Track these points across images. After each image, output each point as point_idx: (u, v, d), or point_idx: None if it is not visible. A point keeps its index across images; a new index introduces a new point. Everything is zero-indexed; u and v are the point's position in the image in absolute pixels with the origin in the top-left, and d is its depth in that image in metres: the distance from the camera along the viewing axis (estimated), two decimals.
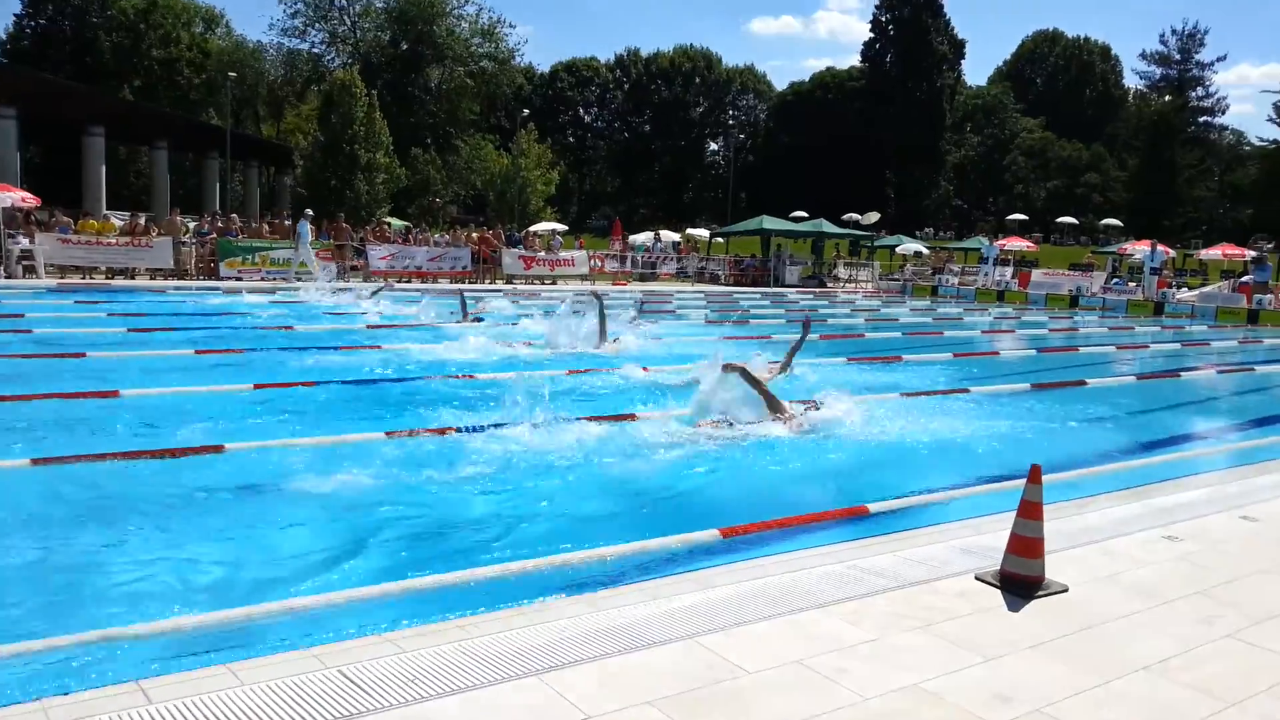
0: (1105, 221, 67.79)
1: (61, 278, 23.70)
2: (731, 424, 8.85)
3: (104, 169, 39.57)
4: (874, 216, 51.10)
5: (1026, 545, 4.92)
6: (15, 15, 63.09)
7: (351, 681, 3.59)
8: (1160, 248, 35.28)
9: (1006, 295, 34.45)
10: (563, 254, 33.90)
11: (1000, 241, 45.01)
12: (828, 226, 41.70)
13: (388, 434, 8.06)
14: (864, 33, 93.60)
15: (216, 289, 23.88)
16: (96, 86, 53.17)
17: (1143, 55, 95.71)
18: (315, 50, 73.52)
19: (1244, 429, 11.47)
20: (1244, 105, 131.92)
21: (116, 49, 62.25)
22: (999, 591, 4.87)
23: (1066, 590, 4.91)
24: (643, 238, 42.34)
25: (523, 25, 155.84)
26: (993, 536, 5.56)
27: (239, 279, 25.47)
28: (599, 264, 34.48)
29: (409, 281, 27.85)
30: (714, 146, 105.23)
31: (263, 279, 25.78)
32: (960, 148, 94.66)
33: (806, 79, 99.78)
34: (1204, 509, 6.70)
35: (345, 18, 72.89)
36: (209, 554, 5.58)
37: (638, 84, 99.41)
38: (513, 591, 4.89)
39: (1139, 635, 4.40)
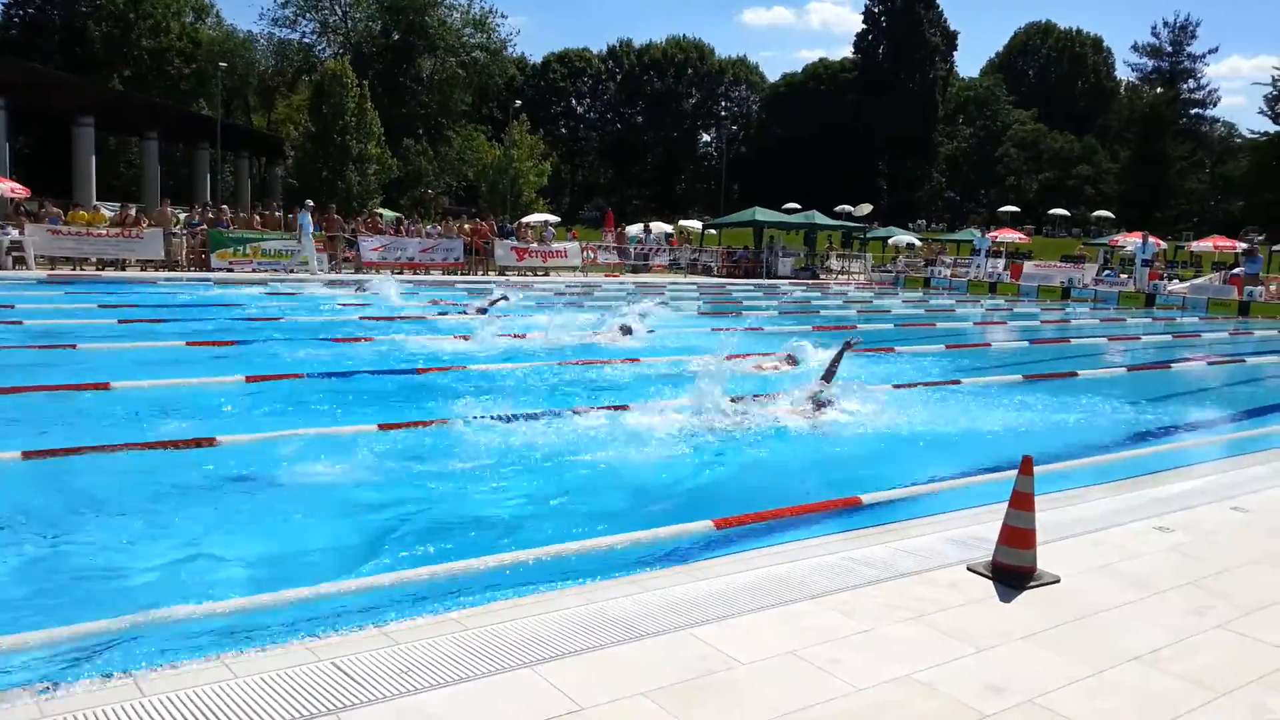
0: (1097, 213, 67.89)
1: (52, 269, 23.59)
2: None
3: (94, 159, 39.37)
4: (867, 208, 51.17)
5: (1018, 536, 4.93)
6: (3, 5, 62.63)
7: (344, 673, 3.59)
8: (1151, 240, 35.42)
9: (999, 287, 34.51)
10: (555, 245, 33.85)
11: (992, 233, 45.17)
12: (820, 218, 41.72)
13: (380, 426, 8.03)
14: (856, 24, 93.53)
15: (249, 281, 23.78)
16: (86, 76, 52.73)
17: (1134, 47, 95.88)
18: (306, 40, 73.40)
19: (1235, 420, 11.53)
20: (1235, 98, 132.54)
21: (106, 39, 61.79)
22: (991, 582, 4.89)
23: (1058, 581, 4.92)
24: (634, 230, 42.29)
25: (515, 16, 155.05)
26: (985, 527, 5.57)
27: (230, 270, 25.38)
28: (591, 255, 34.43)
29: (400, 273, 27.77)
30: (706, 138, 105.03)
31: (254, 270, 25.69)
32: (952, 139, 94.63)
33: (799, 70, 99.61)
34: (1195, 500, 6.73)
35: (336, 7, 72.61)
36: (202, 546, 5.57)
37: (630, 75, 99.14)
38: (506, 583, 4.89)
39: (1131, 626, 4.42)
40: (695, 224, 52.01)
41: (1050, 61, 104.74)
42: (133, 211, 27.12)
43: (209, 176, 48.90)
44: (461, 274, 29.83)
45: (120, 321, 15.21)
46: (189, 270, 25.47)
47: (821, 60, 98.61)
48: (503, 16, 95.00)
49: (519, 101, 69.40)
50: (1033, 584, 4.86)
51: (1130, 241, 39.17)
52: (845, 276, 40.67)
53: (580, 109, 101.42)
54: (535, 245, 33.04)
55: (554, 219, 48.13)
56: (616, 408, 9.08)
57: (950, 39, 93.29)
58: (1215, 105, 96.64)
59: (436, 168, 63.27)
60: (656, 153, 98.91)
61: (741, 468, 7.87)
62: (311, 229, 26.94)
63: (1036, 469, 5.01)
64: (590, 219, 78.02)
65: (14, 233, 23.33)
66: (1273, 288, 29.69)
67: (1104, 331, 21.66)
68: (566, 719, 3.34)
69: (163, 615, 4.15)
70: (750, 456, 8.09)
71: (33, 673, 3.74)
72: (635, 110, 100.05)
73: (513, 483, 6.96)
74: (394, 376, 11.17)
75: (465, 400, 9.52)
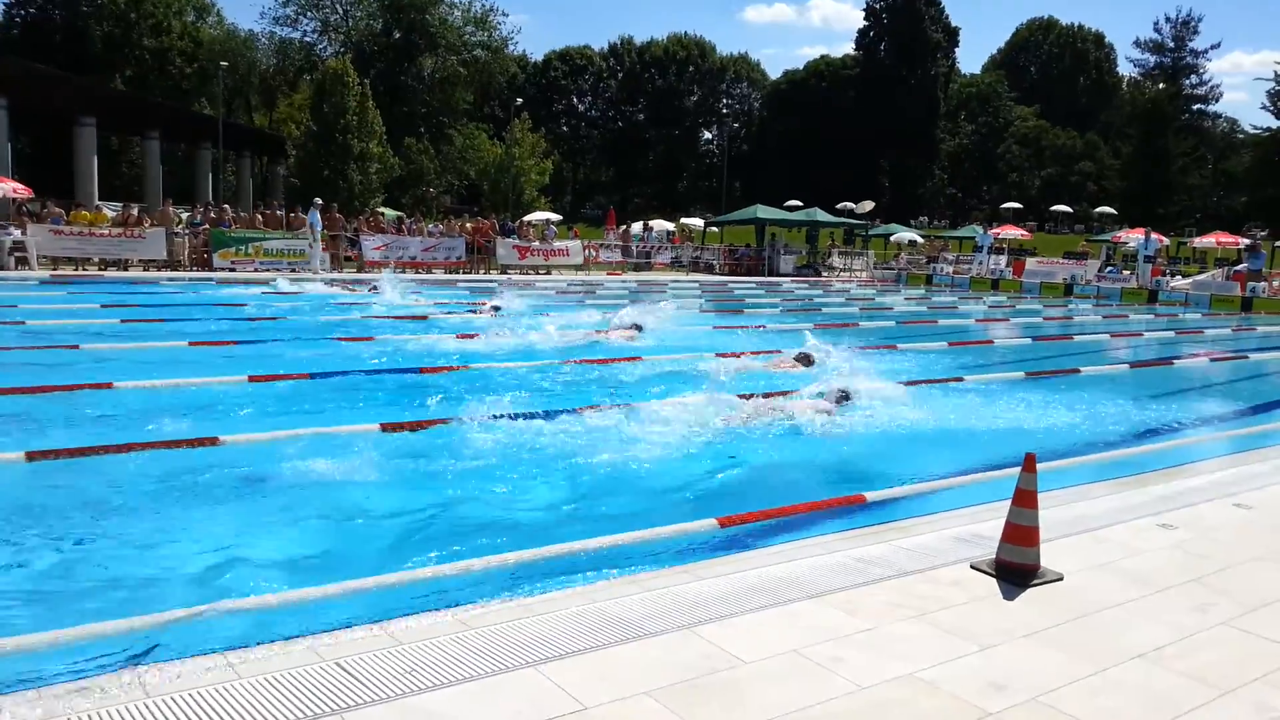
0: (1099, 210, 67.95)
1: (54, 269, 23.60)
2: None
3: (95, 159, 39.40)
4: (868, 205, 51.10)
5: (1022, 534, 4.93)
6: (5, 4, 62.77)
7: (348, 673, 3.60)
8: (1154, 236, 35.34)
9: (1001, 284, 34.47)
10: (557, 244, 33.84)
11: (994, 230, 45.11)
12: (822, 215, 41.67)
13: (382, 427, 8.04)
14: (858, 20, 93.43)
15: (254, 281, 23.80)
16: (87, 76, 52.77)
17: (1137, 43, 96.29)
18: (307, 39, 73.49)
19: (1237, 417, 11.51)
20: (1237, 93, 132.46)
21: (107, 38, 61.89)
22: (994, 580, 4.89)
23: (1061, 579, 4.92)
24: (635, 228, 42.31)
25: (516, 14, 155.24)
26: (988, 525, 5.58)
27: (232, 269, 25.40)
28: (593, 254, 34.43)
29: (403, 272, 27.77)
30: (708, 135, 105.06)
31: (256, 270, 25.70)
32: (954, 136, 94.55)
33: (800, 67, 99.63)
34: (1198, 497, 6.73)
35: (337, 6, 72.70)
36: (207, 545, 5.58)
37: (631, 73, 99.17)
38: (509, 582, 4.90)
39: (1134, 623, 4.41)
40: (697, 222, 52.00)
41: (1052, 58, 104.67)
42: (135, 211, 27.15)
43: (211, 176, 48.94)
44: (463, 273, 29.83)
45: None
46: (191, 270, 25.48)
47: (823, 57, 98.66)
48: (504, 15, 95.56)
49: (520, 100, 69.33)
50: (1036, 582, 4.86)
51: (1133, 238, 39.10)
52: (847, 274, 40.63)
53: (582, 107, 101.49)
54: (537, 244, 33.02)
55: (556, 217, 48.14)
56: (625, 405, 9.08)
57: (952, 35, 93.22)
58: (1217, 101, 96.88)
59: (438, 166, 63.27)
60: (658, 150, 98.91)
61: (748, 465, 7.86)
62: (321, 226, 26.96)
63: (1039, 466, 5.01)
64: (592, 217, 78.05)
65: (16, 233, 23.34)
66: (1276, 283, 29.64)
67: (1106, 328, 21.64)
68: (570, 718, 3.34)
69: (167, 616, 4.16)
70: (757, 454, 8.09)
71: (37, 670, 3.74)
72: (637, 108, 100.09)
73: (517, 482, 6.96)
74: (397, 375, 11.18)
75: (468, 400, 9.53)
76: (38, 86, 38.77)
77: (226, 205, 32.29)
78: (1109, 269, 35.17)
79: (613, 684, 3.59)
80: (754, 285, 31.99)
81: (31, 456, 6.72)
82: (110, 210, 28.51)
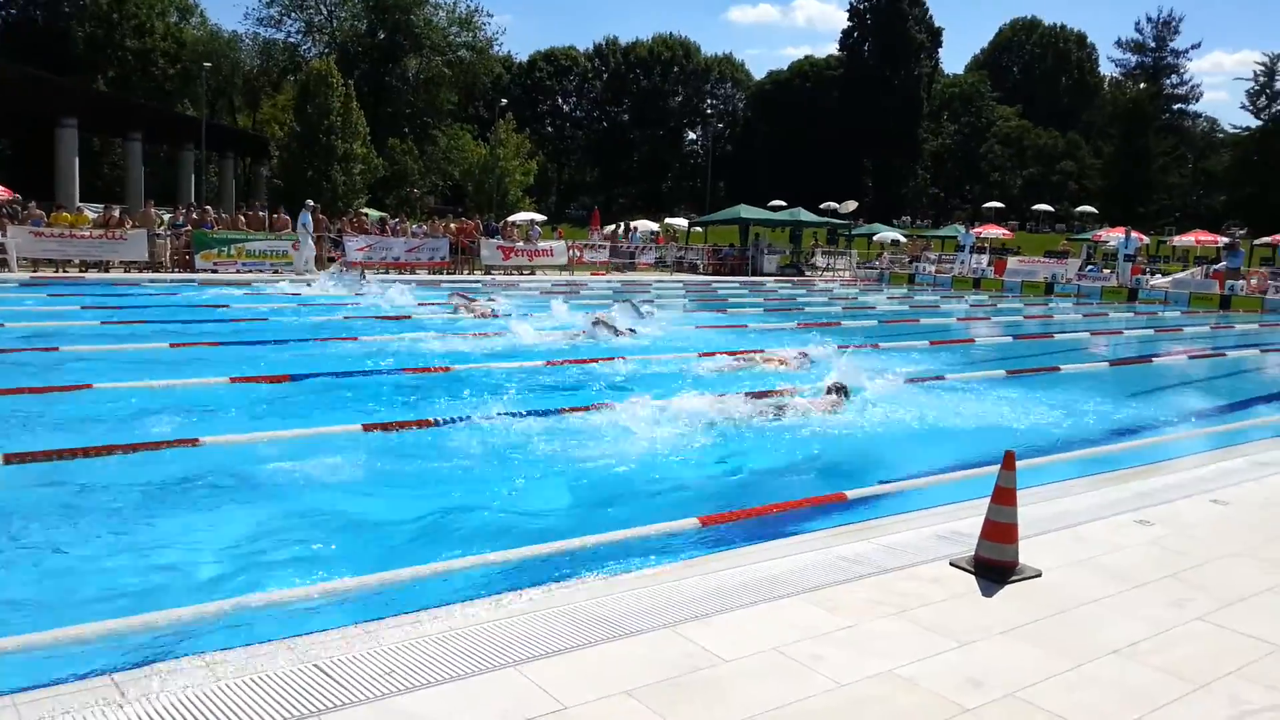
0: (1080, 209, 68.32)
1: (34, 271, 23.44)
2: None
3: (77, 161, 39.12)
4: (852, 205, 51.24)
5: (1001, 531, 4.97)
6: None
7: (327, 675, 3.59)
8: (1134, 234, 35.61)
9: (983, 283, 34.64)
10: (541, 244, 33.80)
11: (976, 229, 45.39)
12: (805, 215, 41.77)
13: (365, 427, 8.02)
14: (842, 21, 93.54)
15: (236, 282, 23.67)
16: (69, 77, 52.39)
17: (1118, 43, 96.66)
18: (291, 40, 73.17)
19: (1215, 414, 11.60)
20: (1217, 93, 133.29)
21: (90, 39, 61.48)
22: (973, 577, 4.92)
23: (1040, 575, 4.96)
24: (608, 230, 42.31)
25: (500, 14, 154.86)
26: (968, 522, 5.61)
27: (214, 271, 25.26)
28: (578, 254, 34.40)
29: (386, 273, 27.69)
30: (692, 136, 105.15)
31: (238, 271, 25.58)
32: (937, 136, 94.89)
33: (785, 68, 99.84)
34: (1175, 493, 6.78)
35: (322, 7, 72.39)
36: (183, 547, 5.56)
37: (616, 73, 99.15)
38: (489, 581, 4.90)
39: (1110, 619, 4.45)
40: (681, 222, 52.04)
41: (1034, 58, 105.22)
42: (116, 213, 26.93)
43: (193, 177, 48.64)
44: (447, 273, 29.76)
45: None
46: (173, 271, 25.33)
47: (807, 58, 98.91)
48: (489, 15, 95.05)
49: (505, 100, 69.31)
50: (1014, 578, 4.90)
51: (1113, 236, 39.40)
52: (830, 273, 40.74)
53: (566, 107, 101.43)
54: (521, 244, 32.96)
55: (540, 218, 48.09)
56: (609, 405, 9.09)
57: (935, 36, 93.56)
58: (1198, 100, 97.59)
59: (422, 167, 63.10)
60: (643, 151, 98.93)
61: (734, 464, 7.88)
62: (313, 229, 26.85)
63: (1019, 464, 5.05)
64: (576, 217, 77.98)
65: None
66: (1254, 282, 29.89)
67: (1087, 326, 21.78)
68: (550, 718, 3.35)
69: (144, 618, 4.14)
70: (742, 452, 8.11)
71: (10, 676, 3.72)
72: (621, 108, 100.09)
73: (498, 482, 6.96)
74: (378, 376, 11.15)
75: (449, 400, 9.53)
76: (19, 87, 38.44)
77: (209, 206, 32.13)
78: (1089, 268, 35.38)
79: (594, 683, 3.60)
80: (738, 285, 32.04)
81: (9, 459, 6.68)
82: (91, 212, 28.30)
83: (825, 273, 40.89)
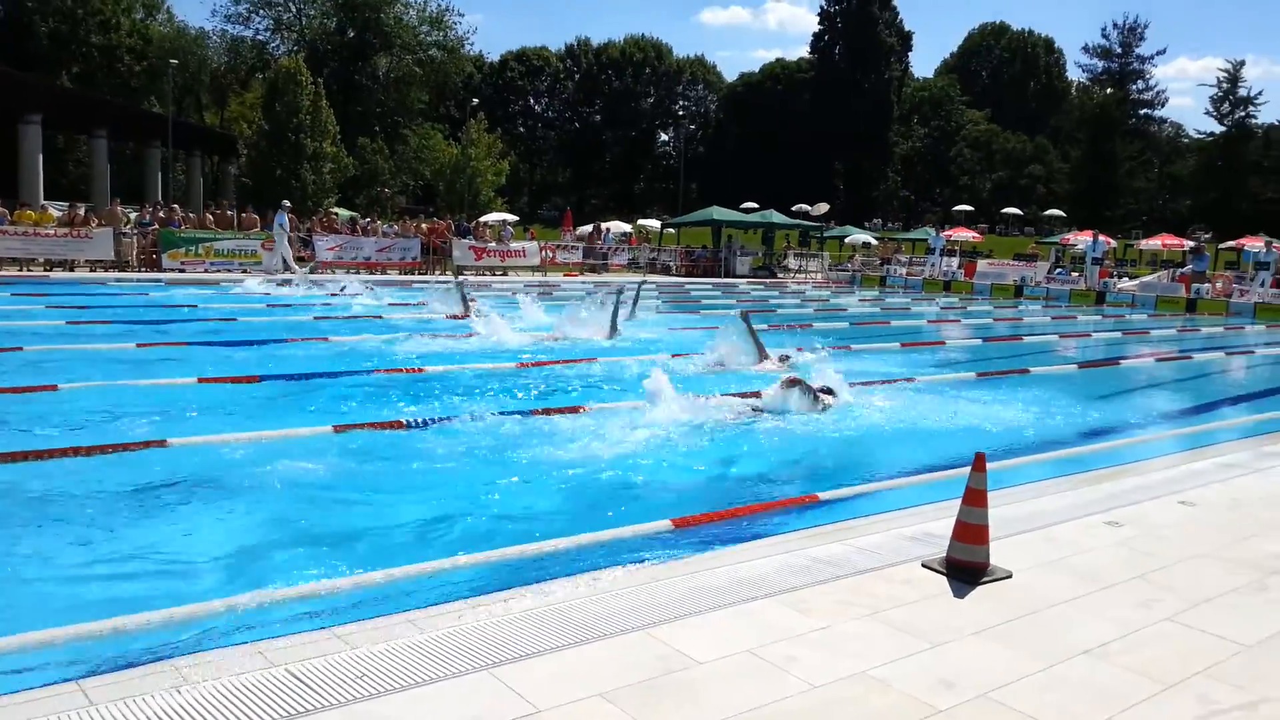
0: (1049, 212, 69.03)
1: None
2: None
3: (41, 158, 38.56)
4: (824, 207, 51.52)
5: (972, 532, 4.99)
6: None
7: (298, 679, 3.55)
8: (1102, 238, 36.04)
9: (953, 285, 34.92)
10: (514, 245, 33.73)
11: (947, 232, 45.70)
12: (777, 217, 41.93)
13: (335, 428, 7.96)
14: (812, 24, 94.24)
15: (203, 281, 23.40)
16: (33, 73, 51.62)
17: (1085, 49, 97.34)
18: (260, 37, 72.48)
19: (1182, 416, 11.75)
20: (1183, 99, 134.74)
21: (53, 35, 60.60)
22: (945, 578, 4.94)
23: (1010, 576, 4.99)
24: (587, 229, 42.26)
25: (472, 14, 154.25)
26: (940, 524, 5.63)
27: (182, 270, 25.00)
28: (551, 255, 34.34)
29: (357, 273, 27.51)
30: (664, 137, 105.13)
31: (206, 271, 25.32)
32: (908, 139, 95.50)
33: (756, 70, 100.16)
34: (1143, 495, 6.85)
35: (290, 4, 71.78)
36: (151, 551, 5.48)
37: (588, 74, 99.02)
38: (463, 585, 4.87)
39: (1080, 620, 4.48)
40: (654, 223, 52.08)
41: (1003, 63, 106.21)
42: (81, 211, 26.58)
43: (160, 175, 48.09)
44: (419, 274, 29.62)
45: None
46: (140, 271, 25.03)
47: (778, 60, 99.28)
48: (460, 15, 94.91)
49: (476, 100, 69.07)
50: (986, 579, 4.93)
51: (1081, 240, 39.86)
52: (802, 275, 40.92)
53: (538, 108, 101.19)
54: (493, 245, 32.88)
55: (512, 218, 47.98)
56: (579, 408, 9.07)
57: (905, 40, 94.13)
58: (1163, 106, 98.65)
59: (393, 166, 62.71)
60: (615, 152, 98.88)
61: (705, 465, 7.87)
62: (289, 230, 26.61)
63: (990, 465, 5.08)
64: (549, 218, 77.82)
65: None
66: (1218, 285, 30.33)
67: (1056, 329, 22.00)
68: None
69: (112, 623, 4.08)
70: (714, 452, 8.11)
71: None
72: (593, 109, 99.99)
73: (472, 484, 6.92)
74: (352, 377, 11.07)
75: (422, 401, 9.47)
76: None
77: (176, 205, 31.79)
78: (1058, 271, 35.75)
79: (567, 686, 3.58)
80: (710, 286, 32.10)
81: None
82: (56, 210, 27.90)
83: (797, 275, 41.06)
